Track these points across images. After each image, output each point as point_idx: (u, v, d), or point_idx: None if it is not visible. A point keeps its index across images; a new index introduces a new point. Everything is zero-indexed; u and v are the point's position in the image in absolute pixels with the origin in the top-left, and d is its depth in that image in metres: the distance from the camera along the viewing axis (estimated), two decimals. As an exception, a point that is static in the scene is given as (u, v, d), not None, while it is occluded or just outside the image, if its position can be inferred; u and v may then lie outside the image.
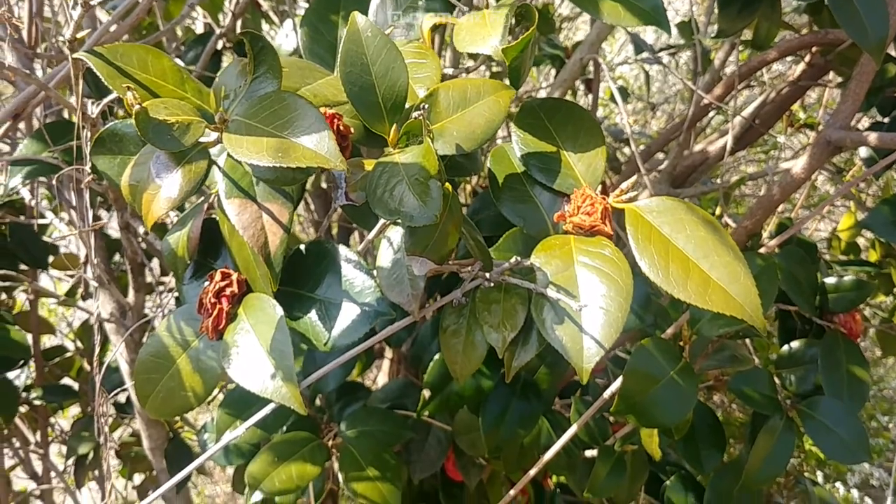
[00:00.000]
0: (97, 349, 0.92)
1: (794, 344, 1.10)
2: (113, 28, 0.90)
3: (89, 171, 0.82)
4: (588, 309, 0.61)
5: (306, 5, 1.78)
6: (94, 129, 0.81)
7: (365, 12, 0.85)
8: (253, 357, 0.64)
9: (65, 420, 2.20)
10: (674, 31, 1.84)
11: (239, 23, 1.31)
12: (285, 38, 1.33)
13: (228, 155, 0.65)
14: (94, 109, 0.81)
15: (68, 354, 1.75)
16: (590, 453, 1.11)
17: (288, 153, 0.54)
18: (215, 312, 0.68)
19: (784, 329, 1.17)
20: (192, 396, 0.71)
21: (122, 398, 1.66)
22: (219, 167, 0.65)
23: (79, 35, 0.71)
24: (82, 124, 0.79)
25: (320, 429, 1.08)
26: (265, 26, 1.74)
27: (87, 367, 1.76)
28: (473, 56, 0.96)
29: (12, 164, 0.99)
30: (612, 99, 2.47)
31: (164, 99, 0.60)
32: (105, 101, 0.81)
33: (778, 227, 1.24)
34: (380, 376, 1.77)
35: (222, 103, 0.63)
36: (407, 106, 0.68)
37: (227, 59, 1.49)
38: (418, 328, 1.19)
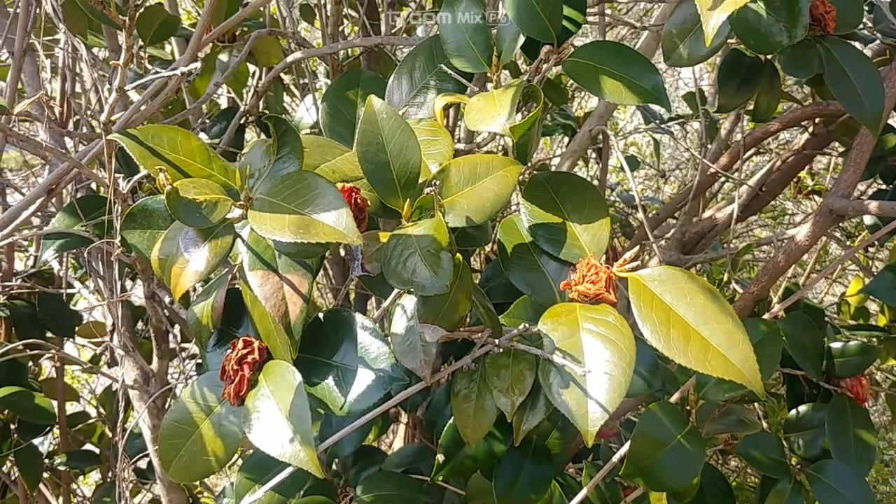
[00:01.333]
0: (121, 415, 0.96)
1: (802, 408, 1.12)
2: (143, 108, 0.96)
3: (119, 244, 0.86)
4: (592, 374, 0.64)
5: (326, 79, 1.85)
6: (125, 205, 0.86)
7: (381, 93, 0.90)
8: (273, 422, 0.67)
9: (86, 486, 2.22)
10: (682, 101, 1.90)
11: (262, 99, 1.36)
12: (306, 111, 1.39)
13: (252, 229, 0.69)
14: (124, 186, 0.86)
15: (91, 421, 1.78)
16: (602, 517, 1.12)
17: (309, 229, 0.58)
18: (237, 379, 0.71)
19: (792, 394, 1.19)
20: (213, 461, 0.73)
21: (142, 464, 1.69)
22: (243, 240, 0.69)
23: (112, 117, 0.76)
24: (113, 200, 0.83)
25: (336, 493, 1.10)
26: (287, 99, 1.80)
27: (108, 433, 1.79)
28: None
29: (45, 238, 1.04)
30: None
31: (193, 179, 0.64)
32: (135, 178, 0.86)
33: (785, 292, 1.26)
34: (395, 441, 1.79)
35: (247, 182, 0.67)
36: (420, 181, 0.72)
37: (249, 133, 1.55)
38: (433, 393, 1.22)
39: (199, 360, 1.27)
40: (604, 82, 0.80)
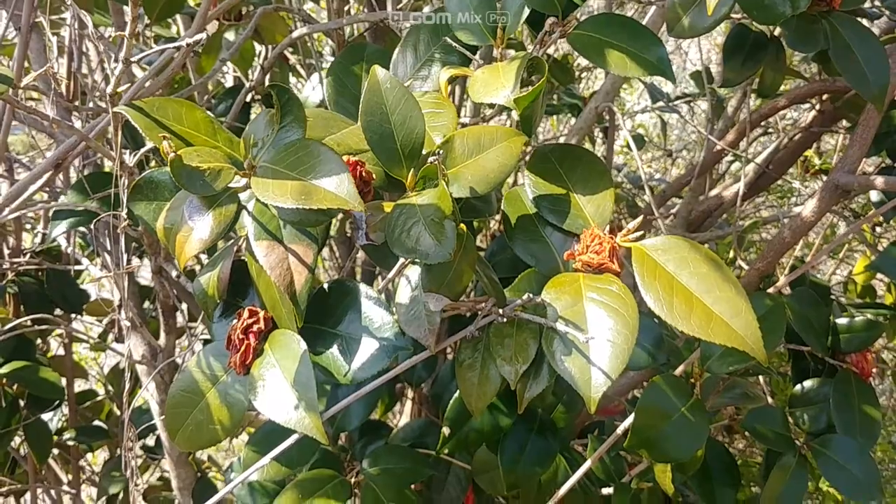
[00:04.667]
0: (127, 385, 0.96)
1: (807, 383, 1.12)
2: (148, 83, 0.96)
3: (125, 216, 0.87)
4: (595, 341, 0.65)
5: (332, 59, 1.85)
6: (131, 178, 0.86)
7: (386, 66, 0.90)
8: (278, 390, 0.68)
9: (95, 465, 2.24)
10: (690, 80, 1.89)
11: (268, 77, 1.37)
12: (312, 90, 1.39)
13: (257, 200, 0.69)
14: (131, 159, 0.86)
15: (99, 398, 1.80)
16: (606, 491, 1.12)
17: (310, 196, 0.59)
18: (243, 348, 0.72)
19: (797, 369, 1.19)
20: (219, 429, 0.74)
21: (151, 441, 1.70)
22: (248, 211, 0.70)
23: (118, 89, 0.76)
24: (120, 173, 0.84)
25: (343, 466, 1.11)
26: (293, 79, 1.80)
27: (116, 411, 1.81)
28: (493, 107, 1.00)
29: (54, 215, 1.05)
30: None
31: (197, 147, 0.65)
32: (141, 151, 0.86)
33: (791, 269, 1.26)
34: (402, 420, 1.80)
35: (251, 151, 0.67)
36: (424, 152, 0.72)
37: (255, 111, 1.55)
38: (439, 368, 1.22)
39: (206, 338, 1.28)
40: (609, 54, 0.80)
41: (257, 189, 0.61)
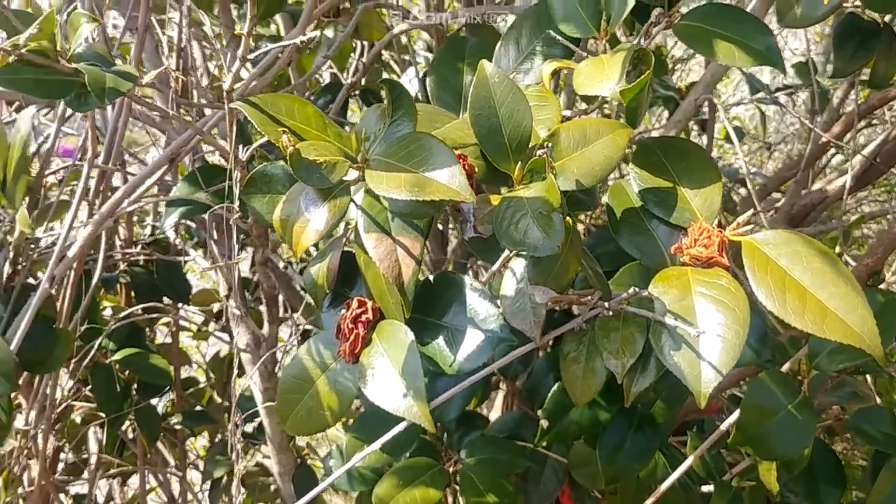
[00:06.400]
0: (227, 373, 0.99)
1: (919, 383, 1.08)
2: (254, 83, 0.99)
3: (237, 209, 0.90)
4: (705, 336, 0.64)
5: (425, 53, 1.87)
6: (243, 171, 0.89)
7: (488, 59, 0.91)
8: (387, 378, 0.69)
9: (195, 451, 2.32)
10: (790, 70, 1.84)
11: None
12: (408, 83, 1.41)
13: (366, 193, 0.71)
14: (243, 153, 0.89)
15: (201, 385, 1.86)
16: (706, 489, 1.11)
17: (424, 188, 0.60)
18: (352, 337, 0.73)
19: (908, 369, 1.16)
20: (329, 415, 0.76)
21: (250, 428, 1.76)
22: (356, 204, 0.72)
23: (235, 86, 0.79)
24: (234, 167, 0.87)
25: (441, 456, 1.12)
26: (385, 75, 1.83)
27: (217, 398, 1.87)
28: (586, 99, 1.00)
29: (167, 205, 1.09)
30: (727, 139, 2.46)
31: (312, 142, 0.67)
32: (255, 144, 0.90)
33: (901, 265, 1.22)
34: (492, 413, 1.81)
35: (363, 144, 0.69)
36: (530, 146, 0.72)
37: (352, 108, 1.58)
38: (534, 362, 1.22)
39: (305, 328, 1.31)
40: (716, 44, 0.79)
41: (372, 181, 0.63)
